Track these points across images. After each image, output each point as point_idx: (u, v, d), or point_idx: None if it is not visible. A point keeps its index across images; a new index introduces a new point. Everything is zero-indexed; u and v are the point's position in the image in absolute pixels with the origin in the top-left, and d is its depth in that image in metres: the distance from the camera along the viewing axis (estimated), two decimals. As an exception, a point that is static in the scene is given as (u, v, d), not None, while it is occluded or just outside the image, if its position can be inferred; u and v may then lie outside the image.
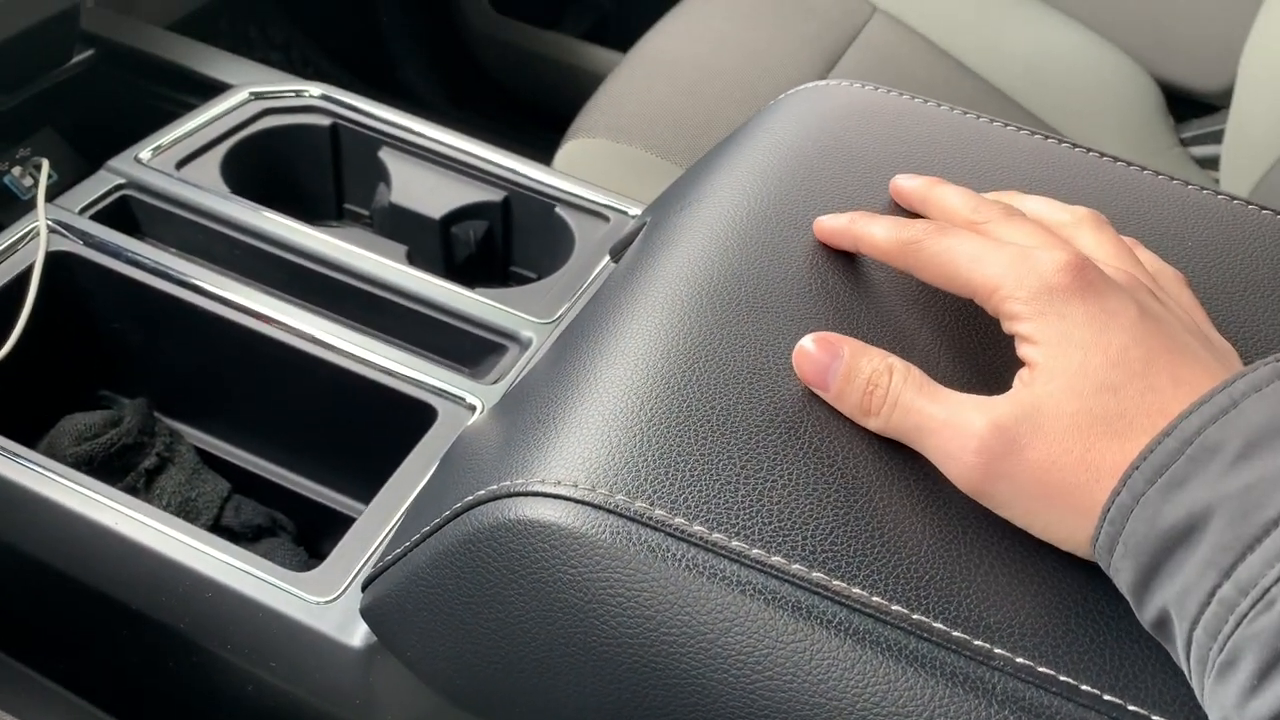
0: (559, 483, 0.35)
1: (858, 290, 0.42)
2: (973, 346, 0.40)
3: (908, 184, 0.45)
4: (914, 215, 0.44)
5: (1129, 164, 0.52)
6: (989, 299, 0.36)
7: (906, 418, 0.35)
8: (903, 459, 0.36)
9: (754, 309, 0.41)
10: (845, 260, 0.43)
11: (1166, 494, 0.30)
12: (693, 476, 0.35)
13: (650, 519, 0.34)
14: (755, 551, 0.33)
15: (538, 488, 0.36)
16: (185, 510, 0.58)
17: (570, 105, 0.94)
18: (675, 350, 0.39)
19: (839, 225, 0.42)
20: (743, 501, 0.35)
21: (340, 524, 0.62)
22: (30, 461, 0.50)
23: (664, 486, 0.35)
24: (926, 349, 0.40)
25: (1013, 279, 0.35)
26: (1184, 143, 1.11)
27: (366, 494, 0.61)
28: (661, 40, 0.99)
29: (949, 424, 0.34)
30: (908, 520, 0.35)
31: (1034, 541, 0.34)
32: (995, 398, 0.34)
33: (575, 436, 0.37)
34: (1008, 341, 0.36)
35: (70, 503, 0.49)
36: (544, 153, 0.86)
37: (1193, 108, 1.15)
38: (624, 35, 1.32)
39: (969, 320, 0.41)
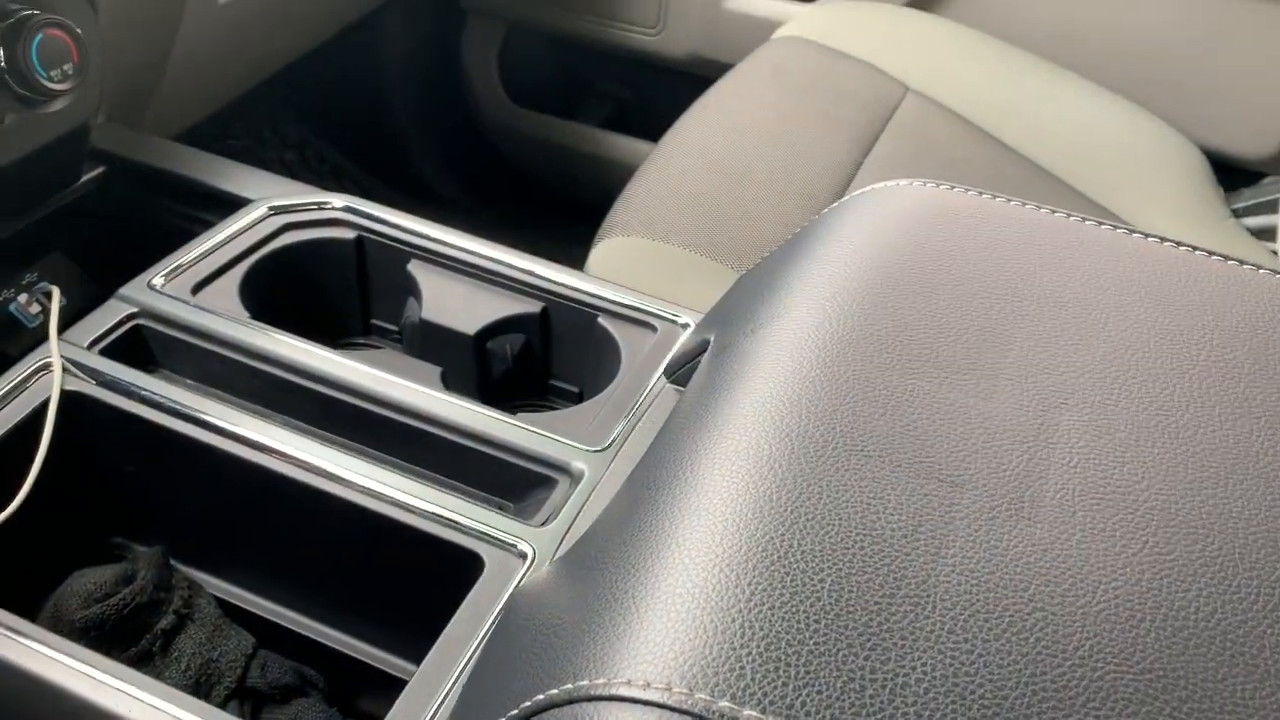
0: (647, 684, 0.30)
1: (964, 424, 0.37)
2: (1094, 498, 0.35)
3: None
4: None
5: (1241, 263, 0.47)
6: None
7: None
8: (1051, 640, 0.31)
9: (852, 454, 0.36)
10: (946, 391, 0.38)
11: None
12: (809, 673, 0.30)
13: (763, 731, 0.29)
14: (895, 772, 0.28)
15: (622, 690, 0.30)
16: (206, 673, 0.53)
17: (593, 194, 0.90)
18: (769, 508, 0.34)
19: None
20: (871, 703, 0.29)
21: (375, 679, 0.56)
22: (28, 638, 0.45)
23: (775, 687, 0.29)
24: (1041, 494, 0.35)
25: None
26: (1236, 214, 1.06)
27: (402, 647, 0.56)
28: (692, 130, 0.95)
29: None
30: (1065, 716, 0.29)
31: None
32: None
33: (661, 620, 0.32)
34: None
35: (73, 685, 0.43)
36: (571, 244, 0.82)
37: (1242, 176, 1.11)
38: (643, 122, 1.29)
39: (1084, 465, 0.36)
